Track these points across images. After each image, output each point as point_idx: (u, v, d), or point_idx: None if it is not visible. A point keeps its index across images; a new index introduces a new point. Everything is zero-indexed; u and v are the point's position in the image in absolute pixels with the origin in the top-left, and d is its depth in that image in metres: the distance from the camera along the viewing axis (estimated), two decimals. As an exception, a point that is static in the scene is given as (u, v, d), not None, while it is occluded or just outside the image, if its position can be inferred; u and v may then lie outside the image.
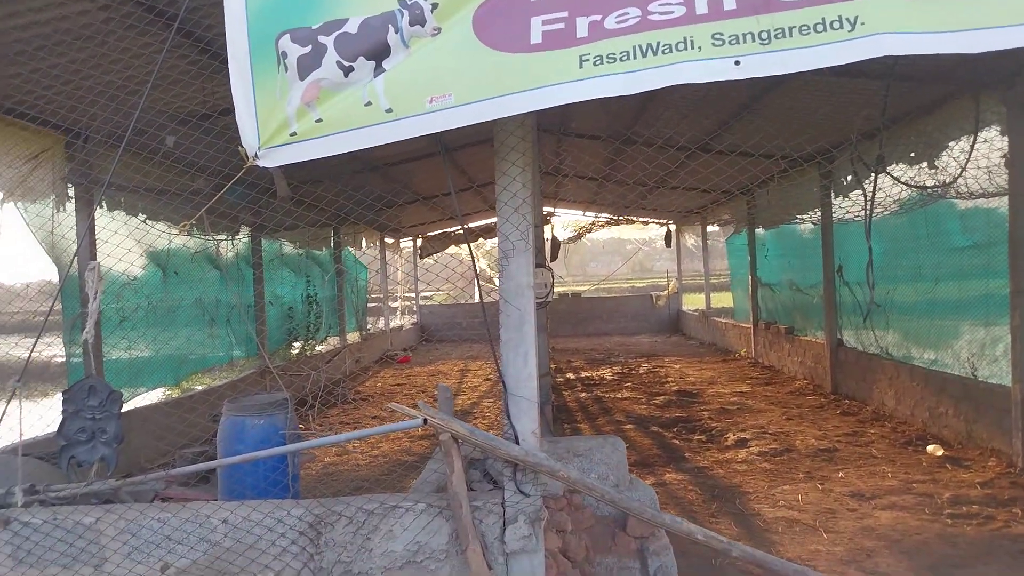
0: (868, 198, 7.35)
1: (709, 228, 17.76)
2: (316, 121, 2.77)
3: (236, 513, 2.81)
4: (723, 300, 18.21)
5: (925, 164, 7.83)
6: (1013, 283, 6.60)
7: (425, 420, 2.70)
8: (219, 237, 9.36)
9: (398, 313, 20.76)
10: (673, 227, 19.27)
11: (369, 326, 17.45)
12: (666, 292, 21.18)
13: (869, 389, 9.44)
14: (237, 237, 10.00)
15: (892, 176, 7.70)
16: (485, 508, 2.79)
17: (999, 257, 6.81)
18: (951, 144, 7.41)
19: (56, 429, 3.17)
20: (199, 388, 9.09)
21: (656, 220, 19.29)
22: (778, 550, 5.06)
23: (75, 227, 5.66)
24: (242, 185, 7.43)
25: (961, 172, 7.10)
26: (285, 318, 11.91)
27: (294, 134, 2.86)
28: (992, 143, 6.90)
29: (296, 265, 12.91)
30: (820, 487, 6.50)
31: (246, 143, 2.78)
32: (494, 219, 14.21)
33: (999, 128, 6.79)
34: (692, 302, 21.31)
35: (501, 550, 2.75)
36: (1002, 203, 6.80)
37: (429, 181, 13.29)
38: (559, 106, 2.53)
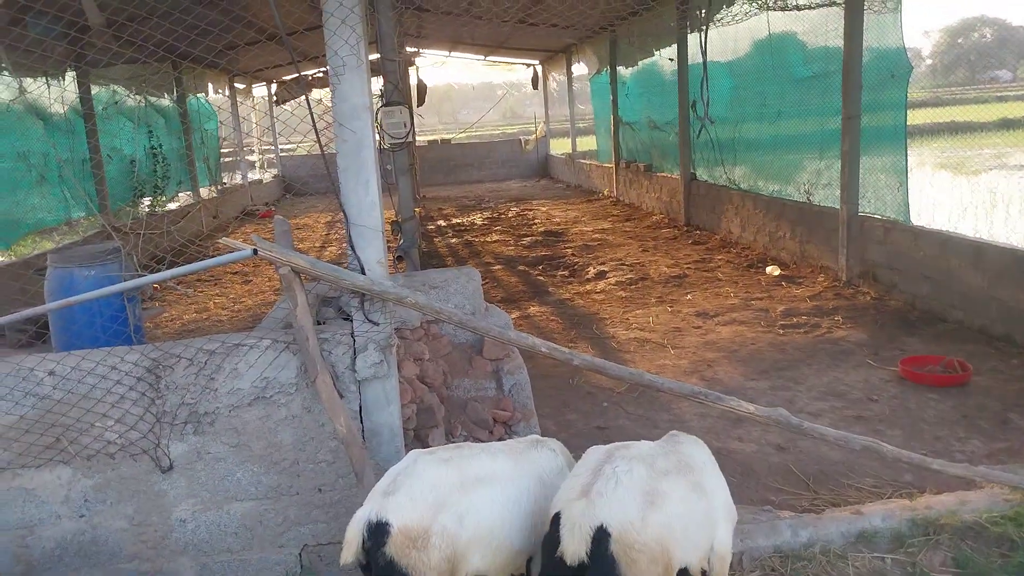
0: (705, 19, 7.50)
1: (575, 70, 17.54)
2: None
3: (64, 363, 2.65)
4: (590, 143, 18.43)
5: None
6: (845, 109, 7.03)
7: (255, 251, 2.58)
8: (33, 79, 8.22)
9: (256, 166, 19.60)
10: (540, 68, 18.90)
11: (226, 180, 16.41)
12: (534, 136, 21.12)
13: (718, 219, 10.05)
14: (58, 80, 8.81)
15: None
16: (334, 340, 2.77)
17: (834, 89, 7.18)
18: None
19: None
20: (36, 253, 8.31)
21: (523, 61, 18.81)
22: (629, 365, 5.45)
23: None
24: (45, 19, 6.44)
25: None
26: (128, 173, 10.90)
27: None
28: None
29: (136, 115, 11.68)
30: (670, 310, 7.01)
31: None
32: None
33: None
34: (560, 147, 21.44)
35: (352, 378, 2.78)
36: (838, 39, 7.06)
37: (285, 17, 12.09)
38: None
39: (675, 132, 11.12)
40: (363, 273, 2.75)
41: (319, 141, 2.92)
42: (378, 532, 2.06)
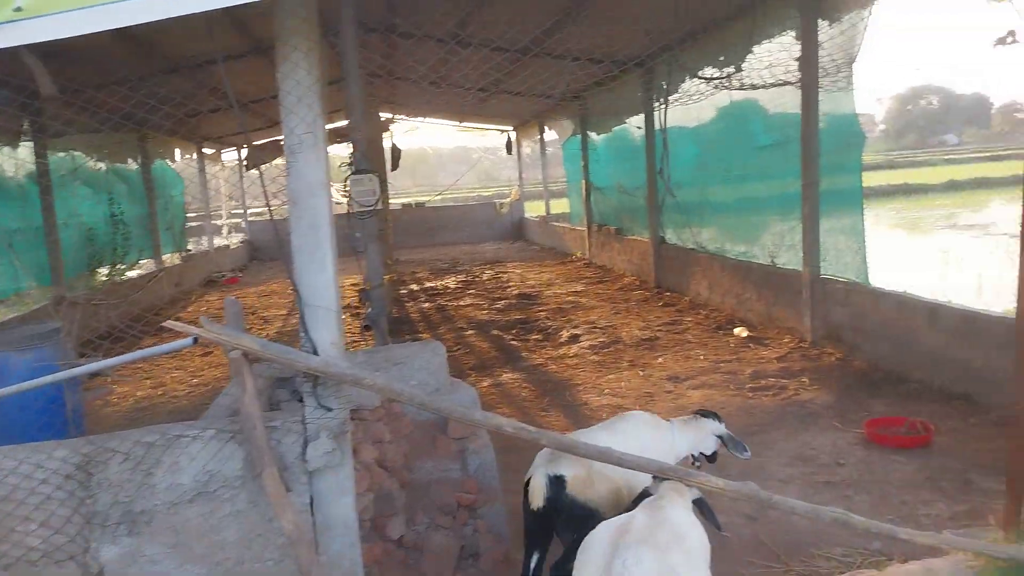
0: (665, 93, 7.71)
1: (547, 136, 17.82)
2: (45, -6, 2.28)
3: (-16, 461, 2.43)
4: (563, 206, 18.59)
5: (732, 68, 8.17)
6: (804, 176, 7.14)
7: (195, 339, 2.42)
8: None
9: (224, 231, 19.39)
10: (513, 134, 19.17)
11: (190, 246, 16.19)
12: (508, 200, 21.28)
13: (687, 281, 10.07)
14: (12, 148, 8.67)
15: (698, 76, 8.09)
16: (284, 428, 2.60)
17: (794, 155, 7.31)
18: (755, 48, 7.76)
19: None
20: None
21: (496, 127, 19.08)
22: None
23: None
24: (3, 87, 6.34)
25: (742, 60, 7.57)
26: (85, 241, 10.64)
27: (19, 9, 2.36)
28: (789, 47, 7.28)
29: (96, 181, 11.52)
30: (641, 373, 6.90)
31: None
32: (336, 124, 13.07)
33: (794, 34, 7.15)
34: (535, 209, 21.59)
35: (303, 468, 2.60)
36: (797, 106, 7.21)
37: (248, 83, 12.13)
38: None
39: (644, 196, 11.23)
40: (316, 354, 2.60)
41: (271, 214, 2.81)
42: (558, 482, 2.89)
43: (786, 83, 7.36)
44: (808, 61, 6.94)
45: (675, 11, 7.71)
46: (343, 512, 2.67)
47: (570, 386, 6.75)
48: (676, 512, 2.48)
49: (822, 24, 6.80)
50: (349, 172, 6.59)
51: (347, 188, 6.57)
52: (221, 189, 19.27)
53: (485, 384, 7.02)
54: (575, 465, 2.93)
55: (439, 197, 28.51)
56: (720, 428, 3.43)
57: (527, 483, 3.00)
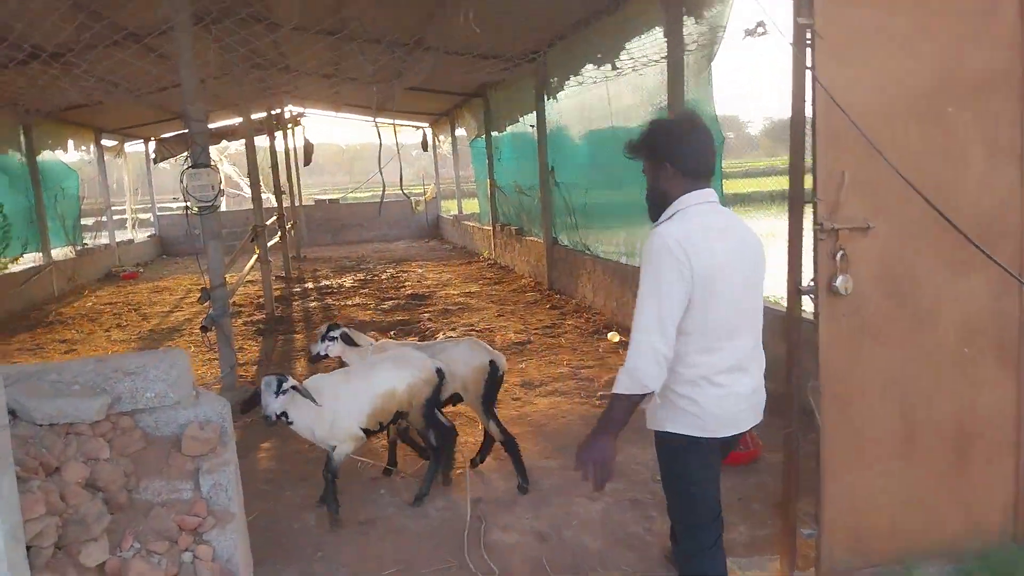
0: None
1: (459, 133, 17.60)
2: None
3: None
4: (476, 205, 18.40)
5: (609, 66, 8.08)
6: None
7: None
8: None
9: (129, 225, 18.67)
10: (428, 131, 18.89)
11: (88, 241, 15.51)
12: (424, 197, 20.98)
13: (575, 284, 9.97)
14: None
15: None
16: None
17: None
18: (627, 45, 7.68)
19: None
20: None
21: (412, 123, 18.78)
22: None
23: None
24: None
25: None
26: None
27: None
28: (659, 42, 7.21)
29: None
30: (496, 380, 6.73)
31: None
32: (236, 119, 12.57)
33: (662, 29, 7.07)
34: (453, 207, 21.36)
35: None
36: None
37: (144, 75, 11.56)
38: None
39: (539, 197, 11.11)
40: (-46, 369, 2.34)
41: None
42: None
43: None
44: (674, 58, 6.85)
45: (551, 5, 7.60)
46: (-7, 541, 2.41)
47: (422, 391, 6.53)
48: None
49: (687, 21, 6.71)
50: (186, 166, 6.30)
51: (184, 184, 6.27)
52: (125, 183, 18.52)
53: (336, 389, 6.76)
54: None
55: (368, 193, 27.93)
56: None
57: (491, 362, 4.38)
